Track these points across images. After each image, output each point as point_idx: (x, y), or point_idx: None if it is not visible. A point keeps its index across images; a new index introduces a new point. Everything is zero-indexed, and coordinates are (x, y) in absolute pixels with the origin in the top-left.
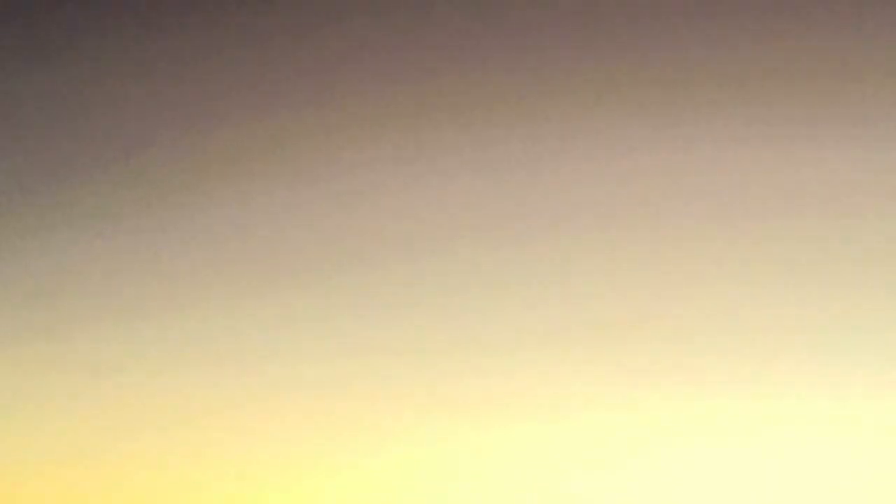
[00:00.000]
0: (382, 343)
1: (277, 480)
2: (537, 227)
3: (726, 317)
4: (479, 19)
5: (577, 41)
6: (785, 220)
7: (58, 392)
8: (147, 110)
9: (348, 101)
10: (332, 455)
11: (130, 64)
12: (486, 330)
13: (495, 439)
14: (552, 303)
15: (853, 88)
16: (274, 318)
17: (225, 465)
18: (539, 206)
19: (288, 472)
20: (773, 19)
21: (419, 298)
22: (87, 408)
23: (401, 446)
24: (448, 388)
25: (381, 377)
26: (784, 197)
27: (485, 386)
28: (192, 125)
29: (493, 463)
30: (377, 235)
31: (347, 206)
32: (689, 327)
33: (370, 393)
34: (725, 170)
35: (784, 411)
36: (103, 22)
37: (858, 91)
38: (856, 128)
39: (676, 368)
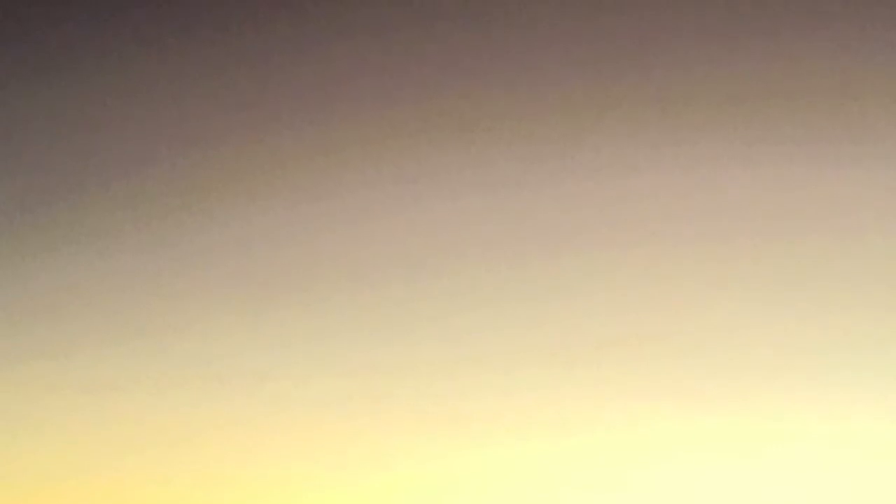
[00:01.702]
0: (383, 362)
1: (277, 499)
2: (537, 246)
3: (727, 335)
4: (479, 38)
5: (579, 60)
6: (785, 238)
7: (57, 411)
8: (147, 129)
9: (348, 121)
10: (332, 474)
11: (130, 82)
12: (486, 349)
13: (496, 458)
14: (552, 321)
15: (853, 107)
16: (274, 336)
17: (225, 484)
18: (539, 226)
19: (287, 491)
20: (774, 39)
21: (419, 317)
22: (87, 427)
23: (401, 466)
24: (448, 406)
25: (382, 396)
26: (784, 215)
27: (486, 405)
28: (193, 145)
29: (493, 482)
30: (378, 254)
31: (348, 225)
32: (689, 346)
33: (371, 412)
34: (726, 188)
35: (785, 429)
36: (103, 40)
37: (859, 110)
38: (856, 146)
39: (677, 387)
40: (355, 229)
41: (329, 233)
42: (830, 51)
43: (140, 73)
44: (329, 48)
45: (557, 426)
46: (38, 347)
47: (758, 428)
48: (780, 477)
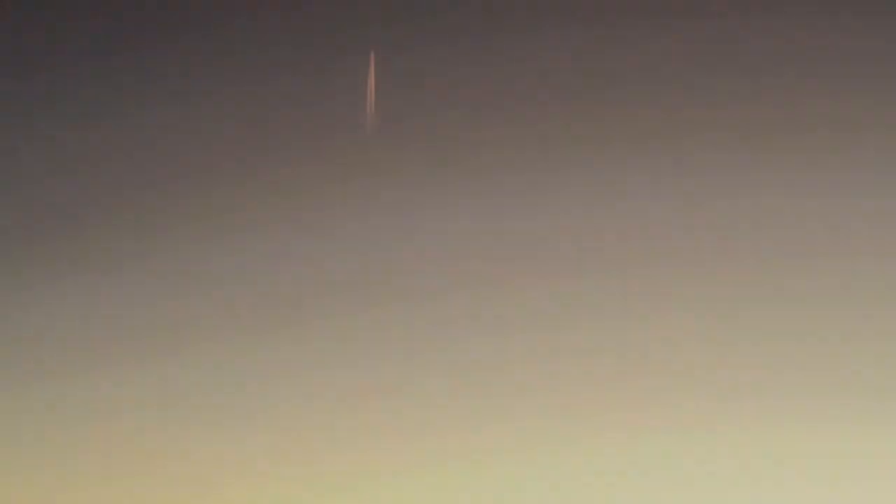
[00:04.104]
0: (382, 387)
1: None
2: (536, 273)
3: (728, 367)
4: (479, 67)
5: (579, 91)
6: (786, 264)
7: (57, 435)
8: (146, 162)
9: (346, 149)
10: (331, 498)
11: (132, 112)
12: (484, 376)
13: (494, 485)
14: (552, 350)
15: (852, 140)
16: (272, 362)
17: None
18: (539, 252)
19: None
20: (774, 72)
21: (419, 344)
22: (86, 451)
23: (399, 491)
24: (447, 434)
25: (381, 421)
26: (786, 245)
27: (484, 432)
28: (191, 175)
29: None
30: (377, 282)
31: (346, 252)
32: (689, 374)
33: (369, 437)
34: (724, 216)
35: (784, 447)
36: (108, 73)
37: (857, 143)
38: (856, 177)
39: (677, 421)
40: (354, 258)
41: (328, 260)
42: (830, 84)
43: (141, 107)
44: (327, 76)
45: (555, 455)
46: (37, 374)
47: (761, 467)
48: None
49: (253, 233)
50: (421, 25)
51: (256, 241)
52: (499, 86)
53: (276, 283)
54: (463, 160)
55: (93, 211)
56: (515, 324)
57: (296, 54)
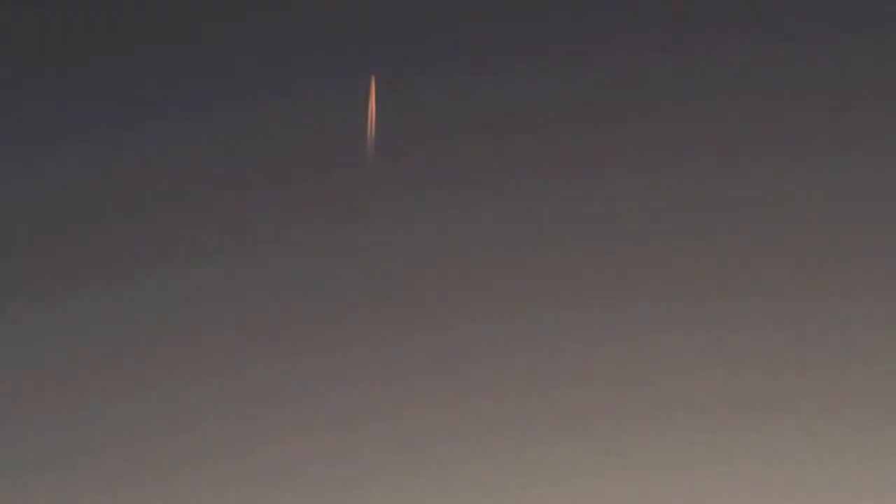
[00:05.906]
0: (380, 412)
1: None
2: (537, 291)
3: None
4: (481, 90)
5: (582, 114)
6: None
7: (55, 450)
8: (145, 179)
9: (346, 173)
10: None
11: (129, 127)
12: (484, 406)
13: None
14: (551, 370)
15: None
16: (267, 383)
17: None
18: (541, 271)
19: None
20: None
21: (417, 372)
22: (85, 469)
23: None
24: (447, 468)
25: (379, 447)
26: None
27: (484, 465)
28: (190, 194)
29: None
30: (375, 302)
31: (345, 270)
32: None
33: (367, 462)
34: (727, 221)
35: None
36: (109, 84)
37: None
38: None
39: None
40: (352, 287)
41: (327, 285)
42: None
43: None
44: (329, 96)
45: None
46: (36, 389)
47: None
48: None
49: (252, 252)
50: (423, 48)
51: (255, 259)
52: (501, 109)
53: (274, 302)
54: (465, 182)
55: (94, 223)
56: (516, 339)
57: (296, 76)
